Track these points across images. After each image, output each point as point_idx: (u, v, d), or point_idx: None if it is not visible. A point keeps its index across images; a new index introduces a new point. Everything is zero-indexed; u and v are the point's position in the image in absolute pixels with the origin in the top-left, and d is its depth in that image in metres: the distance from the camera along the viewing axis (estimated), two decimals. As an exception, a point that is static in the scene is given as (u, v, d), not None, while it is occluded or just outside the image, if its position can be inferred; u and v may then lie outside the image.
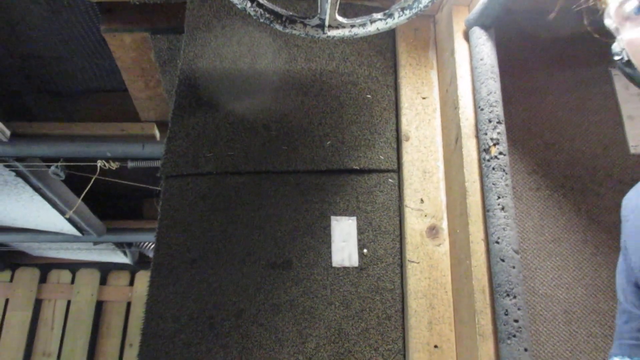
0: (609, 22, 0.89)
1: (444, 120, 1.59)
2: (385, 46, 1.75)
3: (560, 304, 1.46)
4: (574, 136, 1.61)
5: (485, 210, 1.35)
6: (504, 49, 1.53)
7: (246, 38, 1.74)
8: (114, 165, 2.55)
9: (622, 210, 0.94)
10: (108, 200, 3.67)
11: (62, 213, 3.02)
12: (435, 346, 1.40)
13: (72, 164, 2.59)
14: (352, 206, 1.57)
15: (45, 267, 4.37)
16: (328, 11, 1.29)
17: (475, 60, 1.47)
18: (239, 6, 1.24)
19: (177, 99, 1.67)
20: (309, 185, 1.59)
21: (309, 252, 1.52)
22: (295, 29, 1.32)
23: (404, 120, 1.61)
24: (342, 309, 1.47)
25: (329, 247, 1.53)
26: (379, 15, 1.34)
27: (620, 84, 1.69)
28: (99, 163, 2.55)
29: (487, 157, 1.36)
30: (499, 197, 1.32)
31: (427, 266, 1.47)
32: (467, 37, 1.53)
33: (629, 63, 0.86)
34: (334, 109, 1.67)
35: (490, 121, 1.39)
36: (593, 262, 1.48)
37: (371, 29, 1.34)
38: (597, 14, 0.92)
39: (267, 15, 1.30)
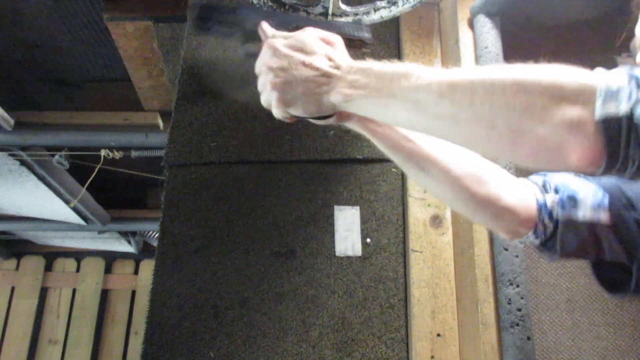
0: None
1: (448, 109, 1.59)
2: (389, 35, 1.74)
3: (563, 293, 1.46)
4: (578, 125, 1.60)
5: (489, 199, 1.35)
6: (509, 37, 1.52)
7: (249, 27, 1.73)
8: (118, 155, 2.55)
9: None
10: (112, 190, 3.67)
11: (67, 202, 3.03)
12: (438, 335, 1.40)
13: (76, 153, 2.59)
14: (356, 196, 1.58)
15: (51, 255, 4.38)
16: (331, -1, 1.28)
17: (479, 48, 1.46)
18: (242, -6, 1.23)
19: (181, 88, 1.67)
20: (312, 175, 1.59)
21: (312, 241, 1.53)
22: (298, 18, 1.31)
23: (407, 109, 1.60)
24: (346, 298, 1.48)
25: (333, 236, 1.53)
26: (382, 3, 1.33)
27: (626, 72, 1.68)
28: (103, 152, 2.55)
29: (491, 146, 1.36)
30: (502, 187, 1.32)
31: (430, 255, 1.47)
32: (471, 25, 1.52)
33: None
34: (337, 98, 1.66)
35: (494, 110, 1.38)
36: (596, 251, 1.48)
37: (375, 17, 1.34)
38: None
39: (270, 3, 1.29)
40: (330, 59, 0.72)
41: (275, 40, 0.75)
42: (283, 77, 0.72)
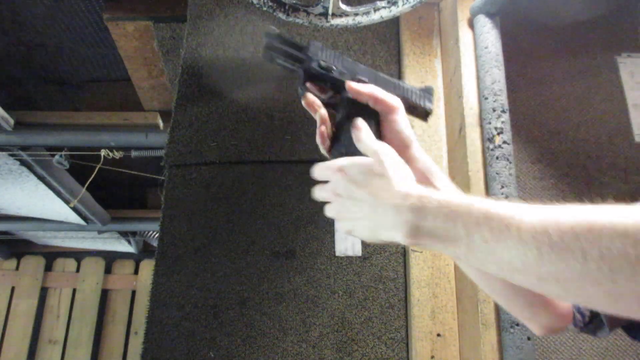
0: None
1: (448, 109, 1.59)
2: (389, 35, 1.74)
3: (563, 293, 1.46)
4: (578, 125, 1.61)
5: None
6: (508, 37, 1.52)
7: (249, 27, 1.73)
8: (118, 155, 2.55)
9: None
10: (112, 190, 3.67)
11: (67, 202, 3.03)
12: (438, 335, 1.40)
13: (76, 152, 2.59)
14: (356, 195, 1.57)
15: (51, 255, 4.38)
16: (331, -1, 1.29)
17: (479, 48, 1.46)
18: (242, -6, 1.23)
19: (180, 88, 1.67)
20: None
21: (312, 241, 1.53)
22: (298, 17, 1.31)
23: (407, 109, 1.60)
24: (346, 298, 1.48)
25: (332, 236, 1.53)
26: (382, 3, 1.33)
27: (626, 72, 1.68)
28: (103, 152, 2.55)
29: (491, 146, 1.36)
30: (502, 187, 1.32)
31: (431, 255, 1.47)
32: (471, 25, 1.52)
33: None
34: (337, 98, 1.66)
35: (494, 110, 1.38)
36: (596, 251, 1.48)
37: (375, 17, 1.34)
38: None
39: (270, 3, 1.29)
40: (407, 195, 0.61)
41: (348, 166, 0.67)
42: (355, 211, 0.65)
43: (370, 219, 0.63)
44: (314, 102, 0.75)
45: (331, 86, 0.77)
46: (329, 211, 0.70)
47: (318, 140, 0.74)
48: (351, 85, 0.73)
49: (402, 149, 0.72)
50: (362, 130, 0.70)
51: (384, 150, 0.67)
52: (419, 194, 0.60)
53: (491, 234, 0.53)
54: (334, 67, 0.77)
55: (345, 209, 0.66)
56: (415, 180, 0.65)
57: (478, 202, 0.56)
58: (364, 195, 0.64)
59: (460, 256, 0.57)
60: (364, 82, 0.76)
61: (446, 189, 0.73)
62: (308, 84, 0.77)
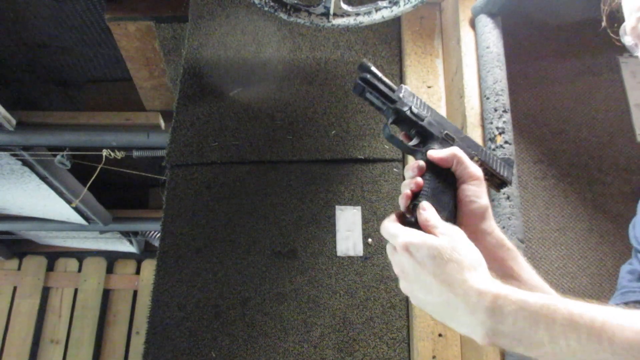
0: (628, 40, 0.86)
1: (450, 109, 1.59)
2: (390, 34, 1.74)
3: (565, 294, 1.46)
4: (580, 125, 1.60)
5: (490, 199, 1.35)
6: (510, 37, 1.52)
7: (250, 27, 1.74)
8: (120, 155, 2.55)
9: None
10: (114, 190, 3.67)
11: (69, 202, 3.03)
12: (440, 334, 1.40)
13: (77, 152, 2.59)
14: (357, 196, 1.57)
15: (53, 255, 4.38)
16: (333, -1, 1.29)
17: (481, 48, 1.46)
18: (243, -6, 1.23)
19: (182, 88, 1.67)
20: (313, 175, 1.59)
21: (313, 241, 1.53)
22: (299, 18, 1.32)
23: (409, 109, 1.60)
24: (347, 298, 1.48)
25: (334, 236, 1.53)
26: (384, 3, 1.33)
27: (628, 72, 1.67)
28: (105, 152, 2.55)
29: (493, 146, 1.36)
30: (504, 187, 1.32)
31: (432, 255, 1.47)
32: (473, 25, 1.52)
33: None
34: (338, 98, 1.66)
35: (496, 110, 1.38)
36: (598, 251, 1.48)
37: (376, 17, 1.34)
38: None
39: (272, 3, 1.29)
40: (481, 293, 0.57)
41: (416, 246, 0.62)
42: (423, 293, 0.62)
43: (442, 308, 0.60)
44: (423, 169, 0.71)
45: (417, 134, 0.75)
46: (400, 283, 0.66)
47: (401, 201, 0.70)
48: (431, 154, 0.71)
49: (475, 219, 0.70)
50: (427, 211, 0.66)
51: (453, 234, 0.62)
52: (493, 294, 0.56)
53: (579, 344, 0.50)
54: (425, 116, 0.75)
55: (414, 290, 0.63)
56: (486, 267, 0.61)
57: (560, 302, 0.53)
58: (432, 282, 0.59)
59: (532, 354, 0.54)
60: (451, 138, 0.75)
61: (520, 268, 0.70)
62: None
